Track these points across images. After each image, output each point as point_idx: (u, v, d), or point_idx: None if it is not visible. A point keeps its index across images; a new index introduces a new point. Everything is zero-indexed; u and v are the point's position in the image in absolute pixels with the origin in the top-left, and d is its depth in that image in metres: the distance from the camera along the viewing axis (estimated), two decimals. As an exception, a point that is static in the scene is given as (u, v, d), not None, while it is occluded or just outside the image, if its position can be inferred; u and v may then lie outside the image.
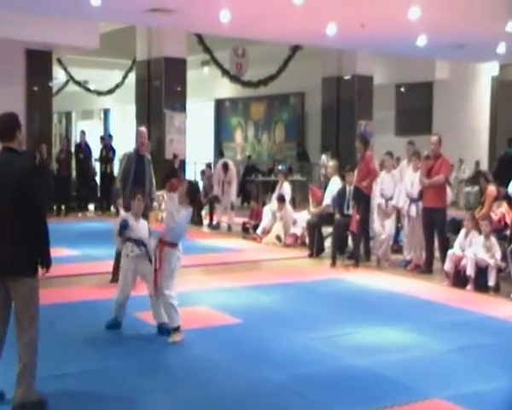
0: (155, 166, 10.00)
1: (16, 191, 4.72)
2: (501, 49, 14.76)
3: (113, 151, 18.02)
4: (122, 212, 8.62)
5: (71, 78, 23.76)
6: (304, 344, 6.46)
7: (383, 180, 11.05)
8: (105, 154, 17.86)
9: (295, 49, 18.28)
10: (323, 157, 18.46)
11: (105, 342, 6.49)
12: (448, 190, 10.99)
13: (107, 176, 17.47)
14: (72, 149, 18.21)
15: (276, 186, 14.48)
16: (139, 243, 6.95)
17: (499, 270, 8.99)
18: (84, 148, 18.10)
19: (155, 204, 9.26)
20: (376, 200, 11.05)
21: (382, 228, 10.94)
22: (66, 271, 9.31)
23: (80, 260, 10.46)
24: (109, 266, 9.11)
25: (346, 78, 19.62)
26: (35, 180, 4.78)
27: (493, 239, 9.09)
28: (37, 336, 4.82)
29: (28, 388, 4.72)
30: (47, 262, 4.82)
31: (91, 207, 17.99)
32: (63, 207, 16.64)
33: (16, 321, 4.80)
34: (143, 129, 9.65)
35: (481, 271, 8.94)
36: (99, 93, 24.58)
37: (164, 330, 6.63)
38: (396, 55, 18.41)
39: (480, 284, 8.93)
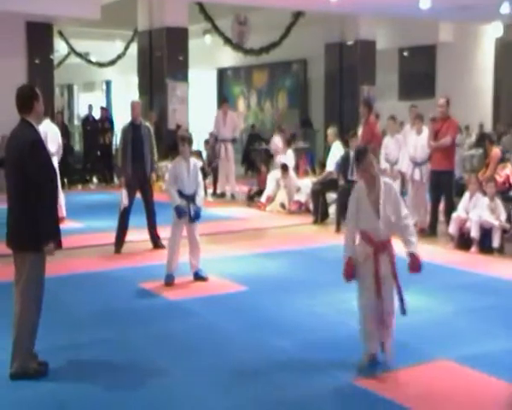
0: (159, 137, 10.01)
1: (14, 165, 4.76)
2: (505, 9, 14.59)
3: (111, 122, 18.05)
4: (124, 192, 8.80)
5: (72, 50, 23.64)
6: (310, 310, 6.50)
7: (387, 145, 11.02)
8: (101, 125, 17.88)
9: (297, 15, 18.11)
10: None
11: (111, 313, 6.53)
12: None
13: (106, 147, 17.59)
14: (76, 122, 18.19)
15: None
16: (190, 198, 7.40)
17: (504, 231, 8.99)
18: (91, 121, 18.17)
19: (153, 176, 9.28)
20: (381, 165, 11.01)
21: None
22: (69, 243, 9.25)
23: (84, 232, 10.50)
24: (113, 237, 9.16)
25: (348, 43, 19.45)
26: (30, 154, 4.69)
27: (498, 201, 9.08)
28: (28, 310, 4.82)
29: (22, 362, 4.82)
30: (48, 235, 4.77)
31: (95, 179, 18.01)
32: (65, 180, 16.55)
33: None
34: (135, 101, 9.65)
35: (486, 232, 8.95)
36: (101, 65, 24.47)
37: None
38: (399, 19, 18.21)
39: (485, 245, 8.95)
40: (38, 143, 4.80)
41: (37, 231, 4.73)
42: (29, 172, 4.69)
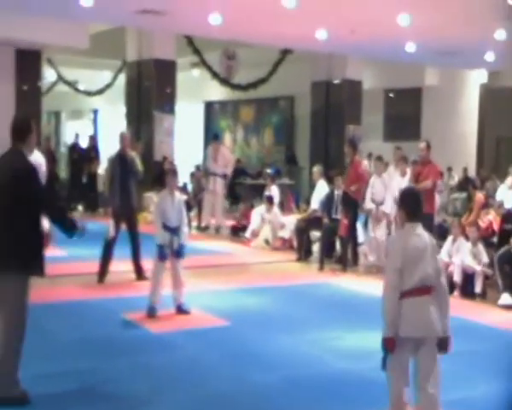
0: (144, 169, 10.06)
1: (5, 189, 4.84)
2: (489, 57, 14.86)
3: (96, 151, 18.14)
4: (112, 222, 8.82)
5: (60, 78, 23.69)
6: (291, 347, 6.50)
7: (374, 185, 11.10)
8: (88, 154, 18.01)
9: (285, 52, 18.31)
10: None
11: (93, 343, 6.49)
12: (436, 196, 11.05)
13: (91, 176, 17.68)
14: (63, 149, 18.31)
15: (264, 189, 14.52)
16: (174, 231, 7.46)
17: (486, 277, 9.05)
18: (78, 149, 18.31)
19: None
20: (367, 205, 11.07)
21: (374, 234, 10.99)
22: (53, 271, 9.18)
23: (68, 260, 10.44)
24: (96, 266, 9.12)
25: (335, 82, 19.66)
26: (31, 179, 4.87)
27: (480, 246, 9.15)
28: (14, 335, 4.84)
29: (5, 388, 4.78)
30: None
31: (80, 207, 17.98)
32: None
33: None
34: (125, 132, 9.72)
35: (468, 277, 9.01)
36: (89, 93, 24.53)
37: None
38: (385, 61, 18.49)
39: (467, 290, 8.99)
40: (36, 170, 5.02)
41: (26, 255, 4.82)
42: (26, 196, 4.80)
